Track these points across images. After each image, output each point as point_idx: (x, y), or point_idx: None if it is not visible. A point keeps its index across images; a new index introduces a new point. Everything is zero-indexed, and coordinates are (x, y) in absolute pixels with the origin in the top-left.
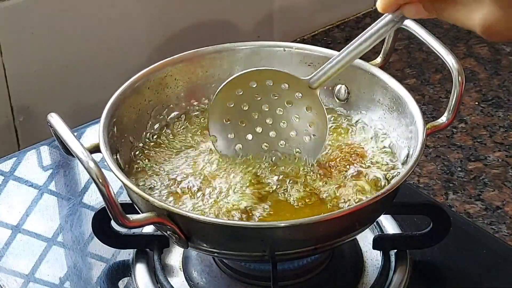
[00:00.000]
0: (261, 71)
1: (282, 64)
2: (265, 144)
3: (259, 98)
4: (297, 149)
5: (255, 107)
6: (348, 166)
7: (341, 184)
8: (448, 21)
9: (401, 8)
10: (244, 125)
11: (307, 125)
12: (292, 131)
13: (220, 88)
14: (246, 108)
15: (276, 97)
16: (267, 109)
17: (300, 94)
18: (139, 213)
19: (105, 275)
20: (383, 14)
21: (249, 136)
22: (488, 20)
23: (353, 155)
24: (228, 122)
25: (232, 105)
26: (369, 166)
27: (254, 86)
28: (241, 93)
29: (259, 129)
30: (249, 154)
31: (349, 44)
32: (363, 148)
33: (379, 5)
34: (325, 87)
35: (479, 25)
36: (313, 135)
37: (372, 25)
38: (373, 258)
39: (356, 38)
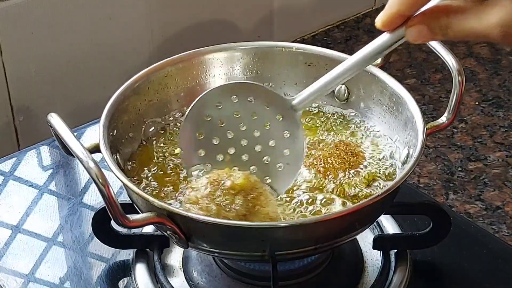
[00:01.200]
0: (245, 85)
1: (282, 64)
2: (235, 167)
3: (237, 116)
4: (267, 177)
5: (232, 125)
6: (345, 168)
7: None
8: (457, 38)
9: (405, 28)
10: (217, 143)
11: (282, 151)
12: (265, 157)
13: (199, 97)
14: (222, 125)
15: (255, 118)
16: (243, 129)
17: (281, 117)
18: (139, 213)
19: (105, 275)
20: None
21: (220, 157)
22: (509, 20)
23: (350, 155)
24: (201, 137)
25: (209, 119)
26: (367, 166)
27: (236, 101)
28: (220, 107)
29: (231, 151)
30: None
31: (340, 64)
32: (360, 148)
33: (378, 21)
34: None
35: (496, 29)
36: (287, 163)
37: (368, 45)
38: (373, 258)
39: (349, 58)
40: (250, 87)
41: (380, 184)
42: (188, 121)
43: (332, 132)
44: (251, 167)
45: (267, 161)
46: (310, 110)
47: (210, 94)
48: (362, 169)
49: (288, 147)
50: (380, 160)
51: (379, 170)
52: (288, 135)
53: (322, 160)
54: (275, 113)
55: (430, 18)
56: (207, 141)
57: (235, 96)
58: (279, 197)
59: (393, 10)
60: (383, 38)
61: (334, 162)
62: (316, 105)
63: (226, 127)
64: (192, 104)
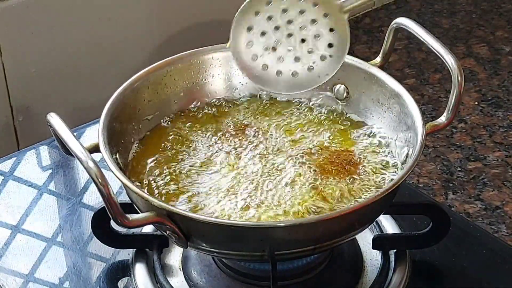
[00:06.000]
0: None
1: None
2: (280, 58)
3: (285, 13)
4: (311, 65)
5: (279, 20)
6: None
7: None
8: None
9: None
10: (264, 38)
11: (326, 45)
12: (309, 48)
13: None
14: (270, 20)
15: (303, 15)
16: (290, 24)
17: (328, 14)
18: (138, 213)
19: (105, 275)
20: (382, 13)
21: (266, 49)
22: None
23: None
24: (251, 31)
25: (259, 15)
26: (364, 166)
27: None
28: (271, 3)
29: (277, 43)
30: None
31: None
32: (354, 154)
33: None
34: (326, 87)
35: None
36: (330, 55)
37: None
38: (372, 258)
39: None
40: None
41: (379, 184)
42: (240, 15)
43: (332, 132)
44: (296, 57)
45: (311, 51)
46: (309, 110)
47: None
48: (361, 174)
49: (332, 42)
50: (379, 159)
51: (378, 169)
52: (333, 31)
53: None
54: (322, 11)
55: None
56: (256, 35)
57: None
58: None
59: None
60: None
61: (332, 170)
62: (316, 104)
63: (273, 21)
64: (244, 3)
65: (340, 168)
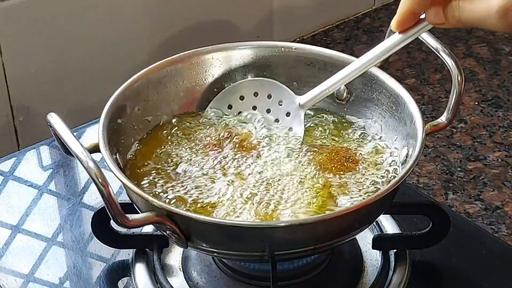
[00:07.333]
0: (268, 82)
1: (281, 64)
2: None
3: (254, 110)
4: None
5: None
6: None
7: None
8: (465, 21)
9: (426, 11)
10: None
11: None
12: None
13: (229, 87)
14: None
15: (269, 113)
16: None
17: (289, 114)
18: (138, 213)
19: (105, 275)
20: (382, 13)
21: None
22: (508, 4)
23: (349, 161)
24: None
25: (231, 109)
26: (365, 167)
27: (257, 96)
28: (243, 100)
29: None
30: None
31: (348, 66)
32: (359, 153)
33: (393, 23)
34: None
35: (497, 11)
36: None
37: (378, 45)
38: (372, 258)
39: (357, 60)
40: (272, 84)
41: (379, 184)
42: (214, 103)
43: (331, 132)
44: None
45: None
46: (309, 110)
47: (238, 86)
48: (360, 173)
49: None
50: (378, 159)
51: (378, 170)
52: (291, 130)
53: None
54: (285, 110)
55: (445, 0)
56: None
57: (257, 92)
58: None
59: (404, 8)
60: (394, 39)
61: (332, 167)
62: (316, 104)
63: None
64: (222, 91)
65: (340, 166)
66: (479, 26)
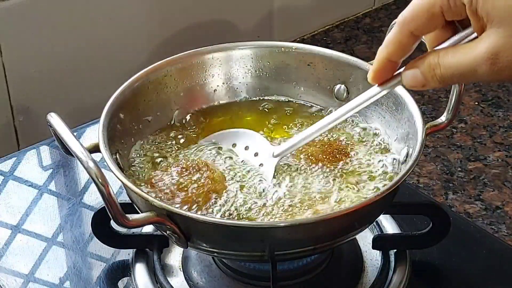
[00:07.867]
0: (247, 133)
1: (281, 64)
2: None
3: (230, 160)
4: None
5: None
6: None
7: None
8: (446, 80)
9: (402, 72)
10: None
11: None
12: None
13: (209, 136)
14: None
15: (244, 164)
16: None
17: (262, 164)
18: (138, 213)
19: (105, 275)
20: (382, 13)
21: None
22: (496, 51)
23: (342, 154)
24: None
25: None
26: (368, 165)
27: (235, 148)
28: (221, 151)
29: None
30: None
31: (325, 118)
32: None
33: (370, 75)
34: (326, 87)
35: (483, 61)
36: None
37: (359, 96)
38: (372, 258)
39: (332, 113)
40: (251, 135)
41: (379, 184)
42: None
43: (332, 132)
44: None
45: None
46: (309, 110)
47: (217, 137)
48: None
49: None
50: (378, 159)
51: (378, 170)
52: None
53: (313, 156)
54: (259, 161)
55: (421, 60)
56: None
57: (235, 143)
58: None
59: (381, 55)
60: (372, 92)
61: (325, 159)
62: (316, 105)
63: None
64: (203, 139)
65: (336, 160)
66: (467, 80)
